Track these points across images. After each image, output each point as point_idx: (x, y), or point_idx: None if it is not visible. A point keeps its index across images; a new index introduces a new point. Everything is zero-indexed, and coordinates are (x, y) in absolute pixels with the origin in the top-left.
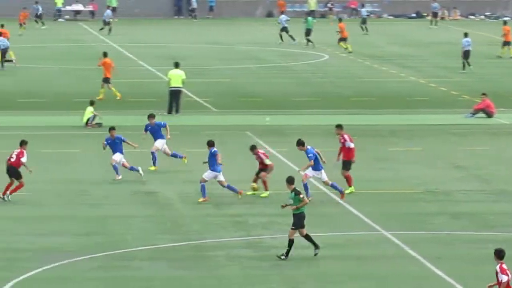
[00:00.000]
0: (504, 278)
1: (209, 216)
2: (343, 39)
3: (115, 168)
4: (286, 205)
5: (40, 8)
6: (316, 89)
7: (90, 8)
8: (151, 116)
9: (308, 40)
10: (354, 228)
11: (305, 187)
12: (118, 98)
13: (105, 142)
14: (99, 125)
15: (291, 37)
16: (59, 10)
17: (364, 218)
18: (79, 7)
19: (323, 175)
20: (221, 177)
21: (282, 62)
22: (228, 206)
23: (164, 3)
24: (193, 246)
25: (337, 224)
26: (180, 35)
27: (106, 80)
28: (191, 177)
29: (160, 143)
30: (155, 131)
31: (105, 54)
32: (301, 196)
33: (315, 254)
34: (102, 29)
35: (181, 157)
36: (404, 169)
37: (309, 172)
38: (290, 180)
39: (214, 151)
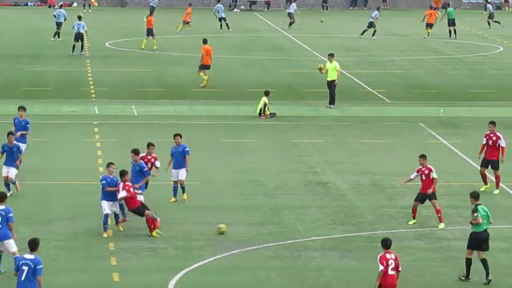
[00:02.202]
0: (380, 267)
1: (382, 207)
2: None
3: None
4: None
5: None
6: (491, 81)
7: None
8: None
9: (453, 31)
10: None
11: None
12: (202, 85)
13: None
14: (273, 115)
15: (498, 22)
16: (234, 0)
17: None
18: None
19: None
20: None
21: (457, 54)
22: (401, 198)
23: None
24: (365, 237)
25: None
26: (355, 26)
27: (204, 67)
28: (364, 168)
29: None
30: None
31: (204, 41)
32: (475, 214)
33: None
34: (291, 23)
35: None
36: None
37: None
38: (474, 196)
39: None
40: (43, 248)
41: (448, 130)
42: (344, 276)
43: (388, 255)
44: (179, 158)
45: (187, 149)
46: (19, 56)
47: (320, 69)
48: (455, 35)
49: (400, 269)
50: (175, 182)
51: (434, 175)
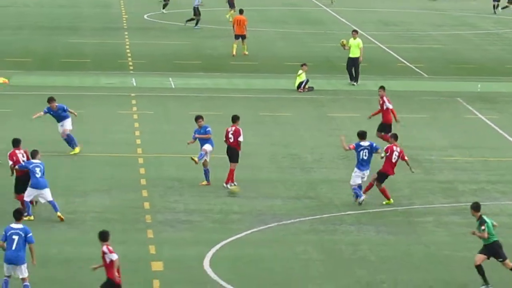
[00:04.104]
0: (114, 256)
1: (419, 181)
2: None
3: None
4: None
5: None
6: None
7: None
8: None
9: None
10: None
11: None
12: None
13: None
14: (311, 89)
15: None
16: None
17: None
18: None
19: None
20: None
21: (494, 29)
22: (438, 173)
23: None
24: (401, 212)
25: None
26: (394, 0)
27: (235, 37)
28: (402, 143)
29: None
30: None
31: (240, 11)
32: (483, 227)
33: None
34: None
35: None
36: None
37: None
38: (475, 207)
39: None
40: (79, 220)
41: (486, 105)
42: (380, 250)
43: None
44: (203, 141)
45: (208, 129)
46: (57, 28)
47: (344, 45)
48: (497, 10)
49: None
50: (205, 165)
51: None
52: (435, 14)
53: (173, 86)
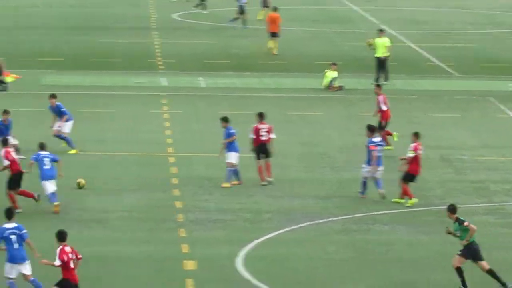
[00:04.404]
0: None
1: (451, 181)
2: None
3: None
4: (450, 233)
5: None
6: None
7: None
8: (224, 121)
9: None
10: None
11: None
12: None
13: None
14: (341, 88)
15: None
16: None
17: None
18: None
19: None
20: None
21: None
22: (470, 172)
23: None
24: (434, 211)
25: None
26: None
27: (270, 35)
28: (432, 142)
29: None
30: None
31: (275, 9)
32: (466, 224)
33: None
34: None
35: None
36: None
37: None
38: (451, 209)
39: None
40: (110, 218)
41: None
42: (413, 250)
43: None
44: (230, 147)
45: (232, 131)
46: (87, 28)
47: (370, 44)
48: None
49: None
50: (233, 165)
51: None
52: (464, 12)
53: (203, 86)
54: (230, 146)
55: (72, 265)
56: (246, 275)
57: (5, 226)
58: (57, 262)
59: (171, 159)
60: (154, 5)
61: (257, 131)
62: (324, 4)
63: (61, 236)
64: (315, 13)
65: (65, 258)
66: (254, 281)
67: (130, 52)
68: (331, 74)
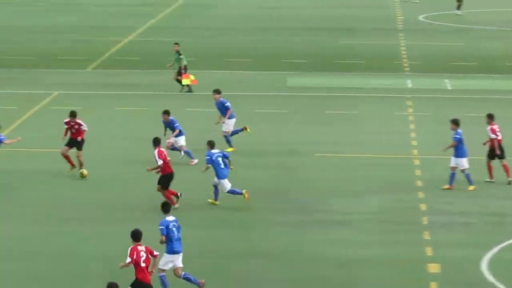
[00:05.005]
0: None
1: None
2: None
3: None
4: None
5: None
6: None
7: None
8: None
9: None
10: None
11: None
12: None
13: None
14: None
15: None
16: None
17: None
18: None
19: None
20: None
21: None
22: None
23: None
24: None
25: None
26: None
27: None
28: None
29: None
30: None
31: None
32: None
33: None
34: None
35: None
36: None
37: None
38: None
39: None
40: (356, 220)
41: None
42: None
43: None
44: (458, 151)
45: (457, 136)
46: (330, 29)
47: None
48: None
49: None
50: (453, 169)
51: None
52: None
53: (449, 88)
54: (458, 150)
55: (143, 265)
56: (490, 278)
57: (167, 219)
58: (127, 260)
59: (416, 161)
60: (401, 7)
61: (493, 131)
62: None
63: (136, 236)
64: None
65: (135, 256)
66: (500, 285)
67: (375, 53)
68: None
